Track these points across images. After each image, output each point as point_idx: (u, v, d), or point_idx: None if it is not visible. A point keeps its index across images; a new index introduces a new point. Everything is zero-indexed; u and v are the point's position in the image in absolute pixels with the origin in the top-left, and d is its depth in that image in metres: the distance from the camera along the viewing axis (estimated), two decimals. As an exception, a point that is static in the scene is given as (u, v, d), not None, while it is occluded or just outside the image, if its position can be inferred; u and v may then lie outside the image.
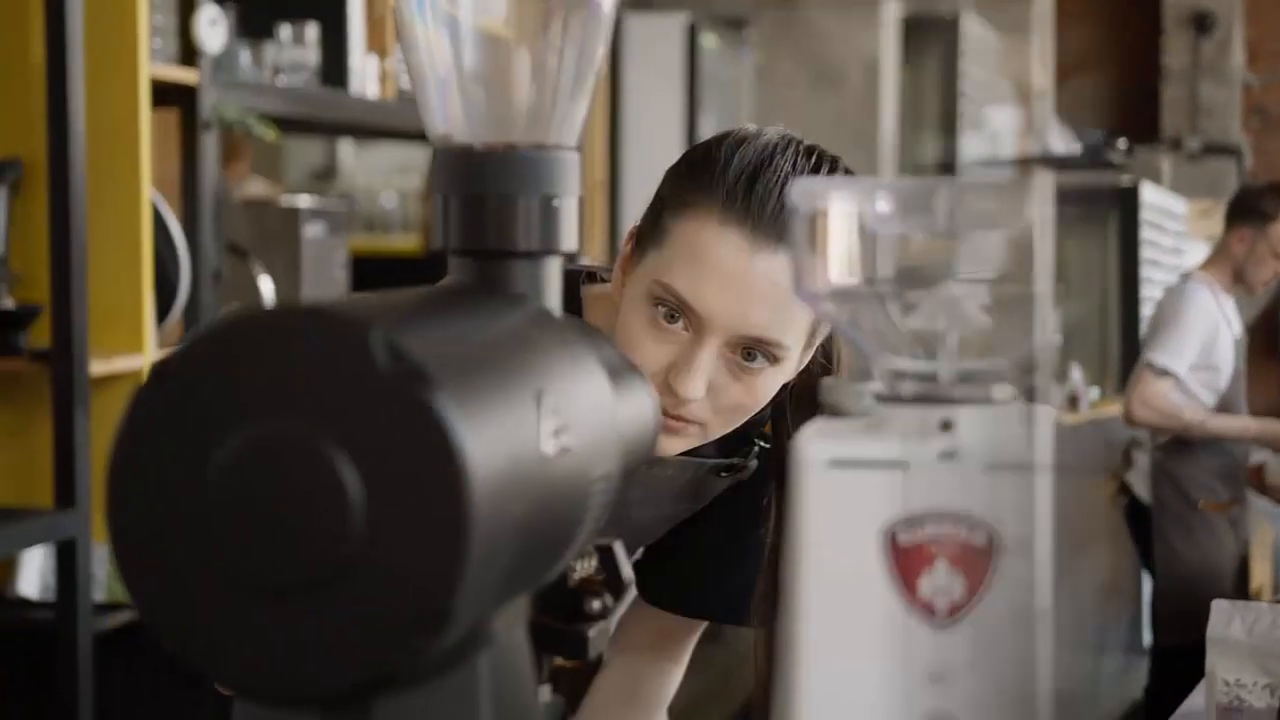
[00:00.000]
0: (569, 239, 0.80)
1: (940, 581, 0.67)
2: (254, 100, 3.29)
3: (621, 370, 0.85)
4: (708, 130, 5.19)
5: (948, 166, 7.60)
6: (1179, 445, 4.59)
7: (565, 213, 0.79)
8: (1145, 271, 7.19)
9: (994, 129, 6.32)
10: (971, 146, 6.20)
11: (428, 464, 0.59)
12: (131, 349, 2.81)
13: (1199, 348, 4.56)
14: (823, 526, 0.68)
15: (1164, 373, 4.48)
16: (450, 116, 0.80)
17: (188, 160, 3.02)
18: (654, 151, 5.03)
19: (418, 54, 0.80)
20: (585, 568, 0.87)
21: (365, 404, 0.60)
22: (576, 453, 0.70)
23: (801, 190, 0.69)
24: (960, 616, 0.67)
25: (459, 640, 0.64)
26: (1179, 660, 4.45)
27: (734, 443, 1.46)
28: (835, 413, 0.76)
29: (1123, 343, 7.47)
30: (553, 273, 0.80)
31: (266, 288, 3.37)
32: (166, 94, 3.01)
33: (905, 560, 0.67)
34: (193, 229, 3.02)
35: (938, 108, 7.52)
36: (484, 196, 0.78)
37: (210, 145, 3.07)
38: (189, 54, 3.02)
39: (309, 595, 0.61)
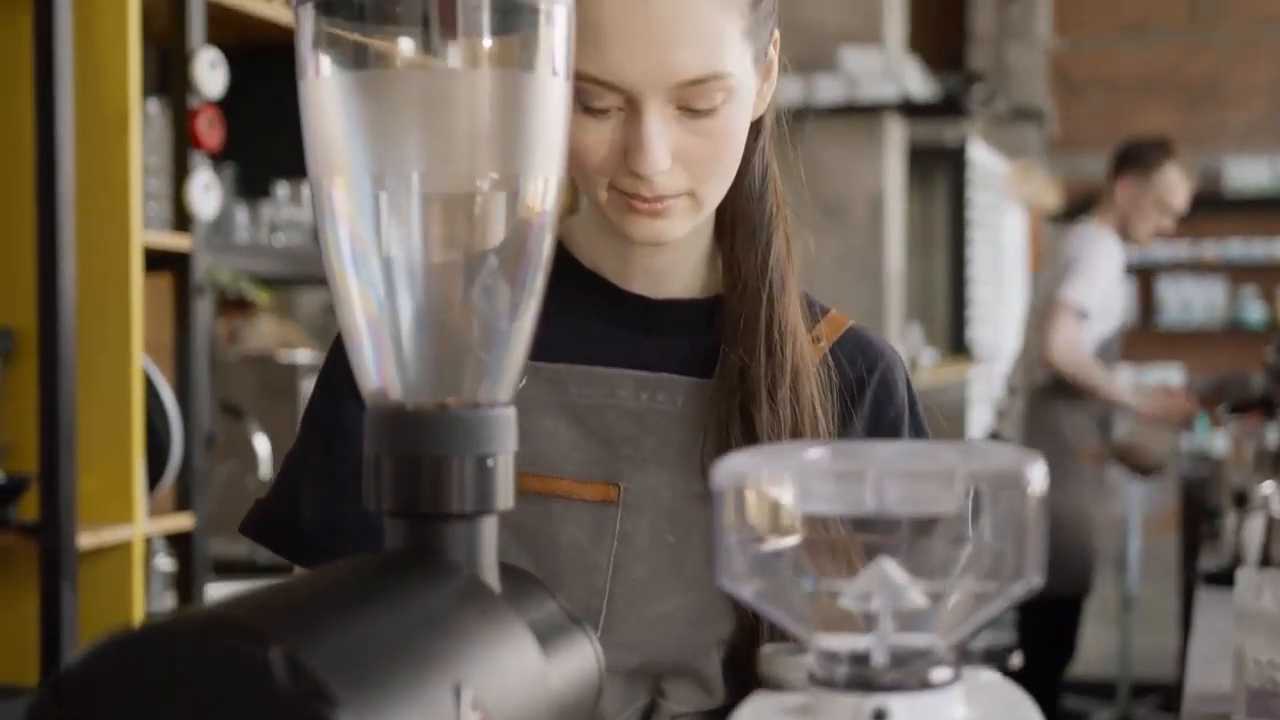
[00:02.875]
0: (505, 498, 0.78)
1: None
2: (249, 262, 3.30)
3: (558, 627, 0.82)
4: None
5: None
6: (1058, 389, 4.45)
7: (500, 471, 0.78)
8: (968, 231, 7.20)
9: (849, 70, 6.25)
10: (828, 89, 6.13)
11: (329, 788, 0.57)
12: (122, 519, 2.77)
13: (1103, 291, 4.49)
14: (754, 821, 0.65)
15: (1080, 313, 4.39)
16: (383, 374, 0.78)
17: (181, 324, 3.01)
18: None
19: (351, 309, 0.78)
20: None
21: (264, 724, 0.58)
22: (502, 740, 0.68)
23: (725, 470, 0.67)
24: None
25: None
26: (1049, 614, 4.31)
27: None
28: (774, 685, 0.74)
29: (951, 302, 7.42)
30: (488, 534, 0.78)
31: (263, 447, 3.36)
32: (160, 259, 3.01)
33: None
34: (185, 392, 3.00)
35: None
36: (417, 457, 0.76)
37: (204, 309, 3.07)
38: (183, 218, 3.02)
39: None
